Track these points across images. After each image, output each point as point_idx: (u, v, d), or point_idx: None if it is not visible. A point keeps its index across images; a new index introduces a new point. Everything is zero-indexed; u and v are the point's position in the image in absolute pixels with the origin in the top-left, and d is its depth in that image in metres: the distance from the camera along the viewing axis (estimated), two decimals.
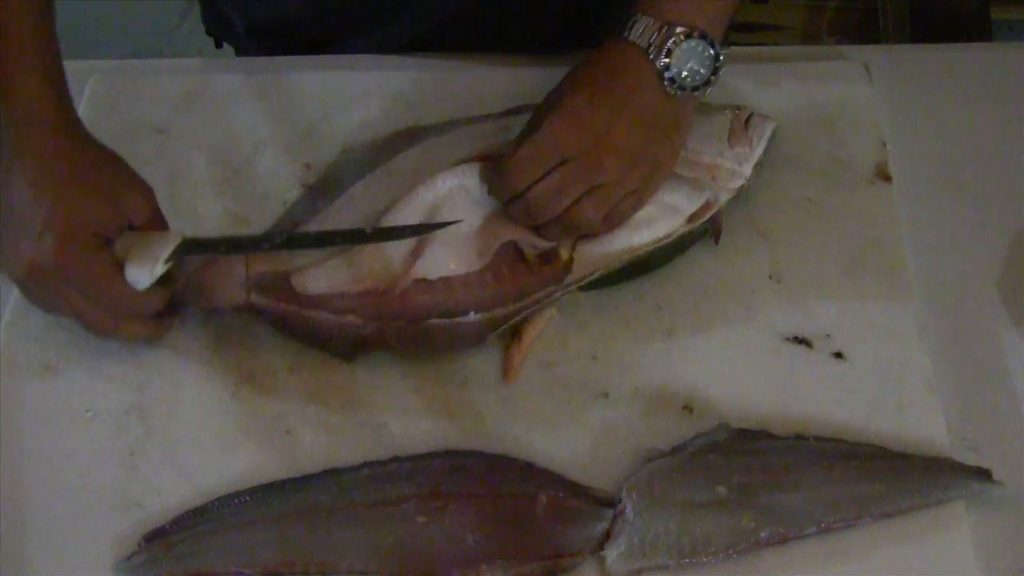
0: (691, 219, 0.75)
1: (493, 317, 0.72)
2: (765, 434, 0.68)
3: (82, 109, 0.76)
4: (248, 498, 0.66)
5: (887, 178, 0.81)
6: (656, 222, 0.74)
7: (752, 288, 0.76)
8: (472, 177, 0.74)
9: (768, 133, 0.79)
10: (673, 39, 0.68)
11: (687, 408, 0.70)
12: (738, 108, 0.79)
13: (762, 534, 0.63)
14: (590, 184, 0.68)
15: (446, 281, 0.72)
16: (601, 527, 0.64)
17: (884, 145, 0.82)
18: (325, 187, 0.80)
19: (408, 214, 0.73)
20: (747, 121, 0.79)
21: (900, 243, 0.77)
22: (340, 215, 0.76)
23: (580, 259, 0.73)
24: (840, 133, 0.83)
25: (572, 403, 0.71)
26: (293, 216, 0.79)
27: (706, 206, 0.75)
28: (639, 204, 0.72)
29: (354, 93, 0.87)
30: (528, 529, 0.64)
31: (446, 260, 0.72)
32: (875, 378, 0.71)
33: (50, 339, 0.75)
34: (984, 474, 0.65)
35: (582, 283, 0.73)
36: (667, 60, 0.68)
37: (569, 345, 0.74)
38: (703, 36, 0.68)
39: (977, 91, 0.87)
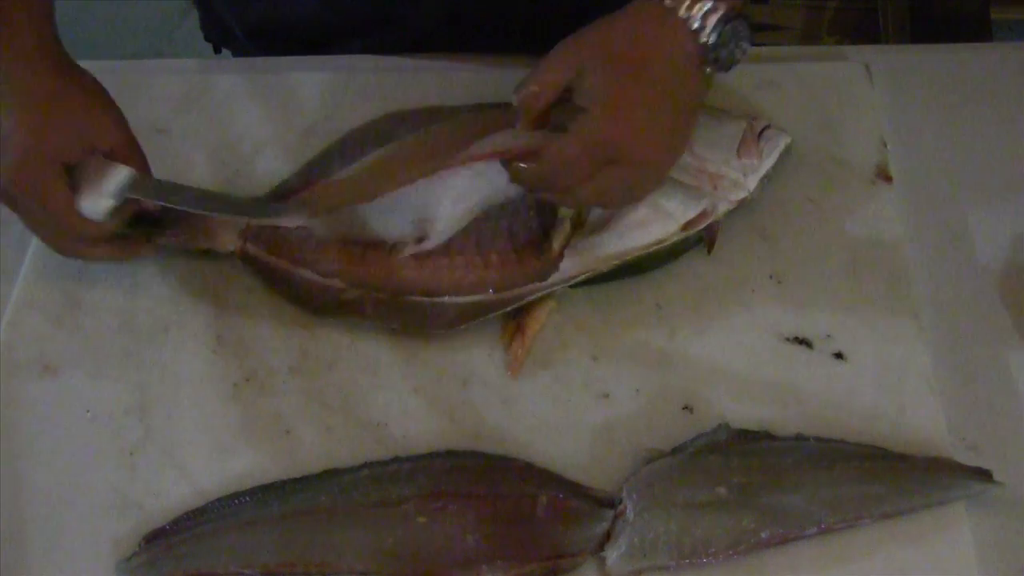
0: (685, 227, 0.74)
1: (472, 303, 0.72)
2: (765, 434, 0.68)
3: None
4: (248, 498, 0.66)
5: (887, 178, 0.81)
6: (649, 226, 0.74)
7: (752, 288, 0.76)
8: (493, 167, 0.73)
9: (780, 147, 0.78)
10: (720, 16, 0.65)
11: (687, 408, 0.70)
12: (754, 119, 0.79)
13: (762, 535, 0.63)
14: (629, 181, 0.68)
15: (434, 261, 0.73)
16: (601, 528, 0.64)
17: (884, 145, 0.82)
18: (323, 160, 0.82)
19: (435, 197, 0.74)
20: (761, 133, 0.78)
21: (900, 243, 0.77)
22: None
23: (569, 260, 0.73)
24: (840, 133, 0.83)
25: (572, 403, 0.71)
26: (287, 186, 0.80)
27: (702, 215, 0.74)
28: (659, 183, 0.72)
29: (354, 93, 0.87)
30: (528, 529, 0.64)
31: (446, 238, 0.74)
32: (875, 378, 0.71)
33: (50, 339, 0.75)
34: (984, 475, 0.65)
35: (570, 283, 0.73)
36: (713, 39, 0.65)
37: (569, 345, 0.74)
38: (743, 15, 0.66)
39: (977, 91, 0.87)
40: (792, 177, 0.81)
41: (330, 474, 0.67)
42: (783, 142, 0.78)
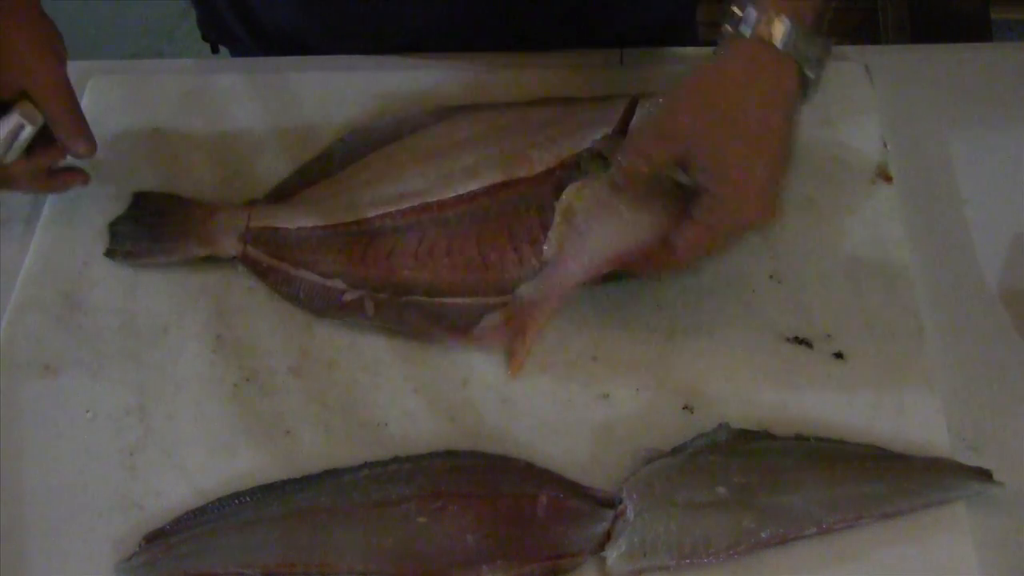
0: None
1: (474, 304, 0.72)
2: (765, 434, 0.68)
3: (83, 109, 0.76)
4: (248, 499, 0.66)
5: (887, 178, 0.81)
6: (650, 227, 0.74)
7: (752, 288, 0.76)
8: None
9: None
10: (821, 42, 0.61)
11: (687, 408, 0.70)
12: None
13: (762, 534, 0.63)
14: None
15: (434, 260, 0.73)
16: (601, 527, 0.64)
17: (884, 145, 0.82)
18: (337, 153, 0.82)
19: None
20: None
21: (900, 243, 0.77)
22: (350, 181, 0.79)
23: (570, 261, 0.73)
24: (840, 133, 0.83)
25: (572, 403, 0.71)
26: (287, 186, 0.81)
27: None
28: None
29: (353, 93, 0.87)
30: (528, 529, 0.64)
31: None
32: (875, 378, 0.71)
33: (50, 339, 0.75)
34: (984, 474, 0.65)
35: None
36: (817, 73, 0.62)
37: (569, 345, 0.74)
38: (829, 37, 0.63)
39: (977, 91, 0.87)
40: (792, 177, 0.80)
41: (330, 474, 0.67)
42: None
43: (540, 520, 0.64)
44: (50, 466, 0.69)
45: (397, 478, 0.66)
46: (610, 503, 0.65)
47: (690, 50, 0.90)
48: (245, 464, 0.69)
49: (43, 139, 0.74)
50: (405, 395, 0.72)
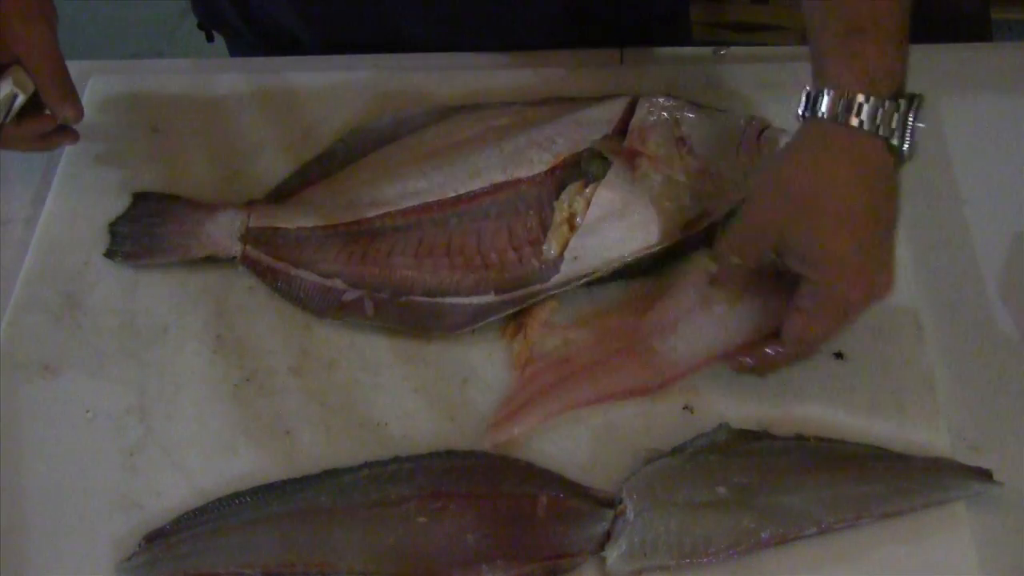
0: (686, 228, 0.74)
1: (473, 304, 0.72)
2: (765, 434, 0.68)
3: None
4: (248, 499, 0.66)
5: None
6: (649, 227, 0.74)
7: None
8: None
9: (780, 147, 0.75)
10: (904, 110, 0.59)
11: (687, 408, 0.70)
12: (754, 119, 0.78)
13: (762, 534, 0.63)
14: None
15: (434, 261, 0.73)
16: (602, 527, 0.64)
17: None
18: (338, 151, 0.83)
19: None
20: (761, 133, 0.77)
21: (900, 243, 0.77)
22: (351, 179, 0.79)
23: (570, 262, 0.73)
24: None
25: None
26: (287, 186, 0.81)
27: (703, 215, 0.74)
28: None
29: (353, 93, 0.87)
30: (528, 529, 0.64)
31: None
32: (875, 378, 0.71)
33: (50, 339, 0.75)
34: (984, 474, 0.65)
35: (569, 287, 0.73)
36: (908, 141, 0.60)
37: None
38: (912, 94, 0.60)
39: (977, 91, 0.87)
40: None
41: (330, 474, 0.67)
42: (783, 142, 0.78)
43: (540, 520, 0.64)
44: (50, 466, 0.69)
45: (397, 478, 0.66)
46: (610, 503, 0.65)
47: (689, 50, 0.90)
48: (245, 464, 0.69)
49: (34, 106, 0.74)
50: (405, 395, 0.72)
